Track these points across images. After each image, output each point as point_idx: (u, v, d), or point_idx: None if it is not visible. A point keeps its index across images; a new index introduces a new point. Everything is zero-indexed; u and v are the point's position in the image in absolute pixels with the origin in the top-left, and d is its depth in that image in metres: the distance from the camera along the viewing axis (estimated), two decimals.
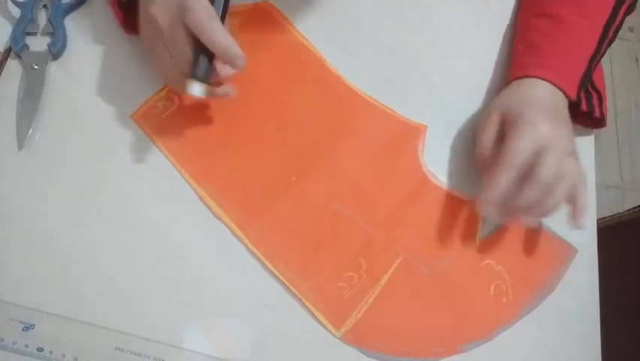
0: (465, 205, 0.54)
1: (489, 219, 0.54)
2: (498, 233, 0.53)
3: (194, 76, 0.46)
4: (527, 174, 0.47)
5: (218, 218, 0.50)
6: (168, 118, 0.53)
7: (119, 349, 0.45)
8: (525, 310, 0.51)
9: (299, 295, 0.48)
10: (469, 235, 0.53)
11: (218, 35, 0.44)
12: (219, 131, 0.53)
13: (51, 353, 0.44)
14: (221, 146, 0.53)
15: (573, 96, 0.52)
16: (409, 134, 0.56)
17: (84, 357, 0.44)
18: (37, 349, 0.44)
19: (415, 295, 0.50)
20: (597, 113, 0.55)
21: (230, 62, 0.46)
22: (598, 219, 0.56)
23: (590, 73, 0.54)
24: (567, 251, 0.54)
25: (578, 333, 0.51)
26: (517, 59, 0.57)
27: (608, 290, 0.54)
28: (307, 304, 0.48)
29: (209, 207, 0.50)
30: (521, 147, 0.47)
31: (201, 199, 0.50)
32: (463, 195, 0.54)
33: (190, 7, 0.43)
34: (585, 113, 0.55)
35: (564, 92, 0.52)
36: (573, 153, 0.49)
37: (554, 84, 0.51)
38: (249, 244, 0.49)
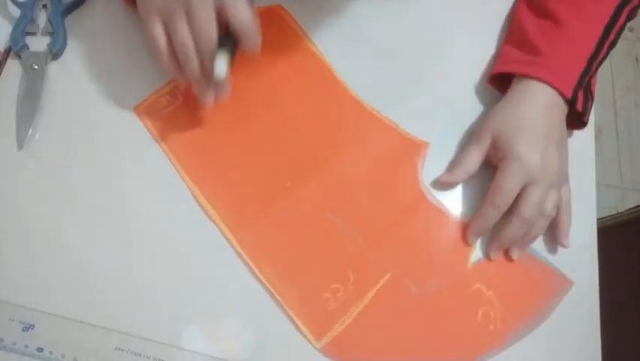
0: (460, 227, 0.53)
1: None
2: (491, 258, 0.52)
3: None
4: (512, 207, 0.51)
5: (210, 217, 0.49)
6: (170, 113, 0.53)
7: (119, 349, 0.45)
8: (512, 338, 0.49)
9: (282, 303, 0.47)
10: (461, 257, 0.52)
11: (245, 13, 0.44)
12: (219, 131, 0.53)
13: (51, 353, 0.44)
14: (219, 145, 0.53)
15: (568, 94, 0.52)
16: (409, 150, 0.55)
17: (84, 357, 0.44)
18: (37, 349, 0.44)
19: (400, 312, 0.49)
20: (586, 119, 0.55)
21: (246, 40, 0.45)
22: (598, 219, 0.56)
23: (590, 73, 0.54)
24: (561, 283, 0.52)
25: (578, 333, 0.51)
26: (512, 53, 0.57)
27: (608, 290, 0.54)
28: (290, 312, 0.47)
29: (201, 207, 0.50)
30: (508, 186, 0.50)
31: (194, 198, 0.50)
32: (459, 216, 0.53)
33: None
34: (578, 114, 0.54)
35: (560, 92, 0.52)
36: (561, 182, 0.52)
37: (552, 85, 0.52)
38: (237, 247, 0.49)
